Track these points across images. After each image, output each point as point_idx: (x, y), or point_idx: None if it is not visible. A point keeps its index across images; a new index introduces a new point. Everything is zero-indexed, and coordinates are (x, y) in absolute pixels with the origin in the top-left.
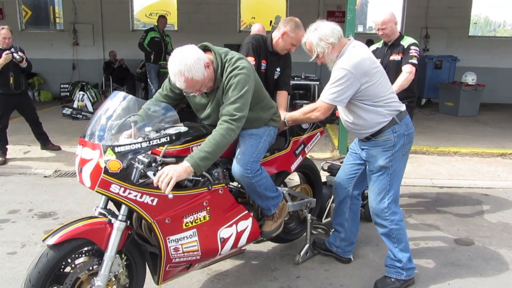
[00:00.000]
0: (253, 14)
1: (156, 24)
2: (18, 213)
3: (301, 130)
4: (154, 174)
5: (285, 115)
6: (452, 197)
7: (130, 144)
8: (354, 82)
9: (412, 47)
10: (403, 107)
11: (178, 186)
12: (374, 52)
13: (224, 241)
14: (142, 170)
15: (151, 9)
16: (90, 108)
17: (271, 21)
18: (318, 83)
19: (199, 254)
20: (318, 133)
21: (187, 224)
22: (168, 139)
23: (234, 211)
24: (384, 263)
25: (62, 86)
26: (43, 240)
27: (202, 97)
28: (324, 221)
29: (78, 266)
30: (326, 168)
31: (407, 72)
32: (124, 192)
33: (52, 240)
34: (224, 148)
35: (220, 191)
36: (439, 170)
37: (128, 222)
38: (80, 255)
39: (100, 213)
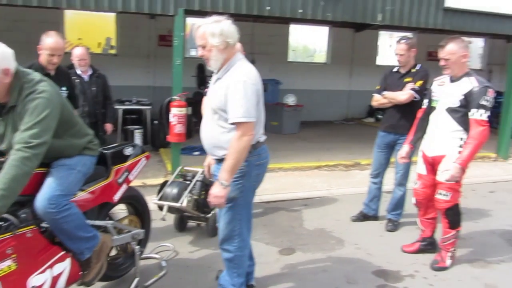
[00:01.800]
0: (79, 35)
1: None
2: None
3: (123, 157)
4: None
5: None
6: (277, 210)
7: None
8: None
9: None
10: (262, 138)
11: None
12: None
13: None
14: None
15: None
16: None
17: (99, 43)
18: (150, 107)
19: None
20: (143, 158)
21: None
22: None
23: (47, 254)
24: (218, 281)
25: None
26: None
27: None
28: (179, 204)
29: None
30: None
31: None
32: None
33: None
34: (23, 181)
35: (28, 235)
36: (266, 186)
37: None
38: None
39: None
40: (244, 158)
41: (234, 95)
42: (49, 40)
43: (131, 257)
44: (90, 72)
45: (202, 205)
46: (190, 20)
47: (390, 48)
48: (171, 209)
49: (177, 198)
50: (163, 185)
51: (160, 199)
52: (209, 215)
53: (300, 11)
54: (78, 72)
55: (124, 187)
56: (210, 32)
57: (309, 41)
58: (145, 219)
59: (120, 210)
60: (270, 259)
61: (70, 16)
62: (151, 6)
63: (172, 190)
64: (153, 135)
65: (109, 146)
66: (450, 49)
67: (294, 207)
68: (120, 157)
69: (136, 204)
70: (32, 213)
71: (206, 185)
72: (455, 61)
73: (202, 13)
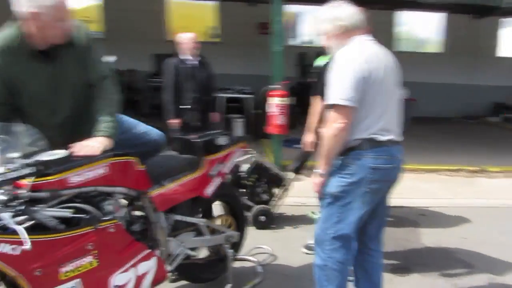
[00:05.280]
0: (183, 23)
1: None
2: None
3: (216, 147)
4: (14, 216)
5: None
6: (389, 217)
7: None
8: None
9: None
10: (385, 137)
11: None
12: (325, 66)
13: None
14: None
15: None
16: None
17: (202, 31)
18: (252, 96)
19: None
20: (239, 148)
21: (67, 274)
22: (34, 170)
23: (131, 251)
24: None
25: None
26: None
27: None
28: None
29: None
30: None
31: None
32: None
33: None
34: None
35: (110, 229)
36: None
37: None
38: None
39: None
40: (335, 149)
41: (331, 75)
42: None
43: (224, 260)
44: (198, 58)
45: (251, 192)
46: (292, 8)
47: None
48: None
49: None
50: None
51: None
52: (255, 206)
53: None
54: (186, 58)
55: (217, 181)
56: (325, 19)
57: (417, 30)
58: (240, 220)
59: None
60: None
61: (174, 5)
62: None
63: None
64: (254, 125)
65: (200, 135)
66: None
67: (410, 217)
68: (214, 147)
69: (232, 203)
70: (118, 204)
71: (261, 170)
72: None
73: (301, 0)
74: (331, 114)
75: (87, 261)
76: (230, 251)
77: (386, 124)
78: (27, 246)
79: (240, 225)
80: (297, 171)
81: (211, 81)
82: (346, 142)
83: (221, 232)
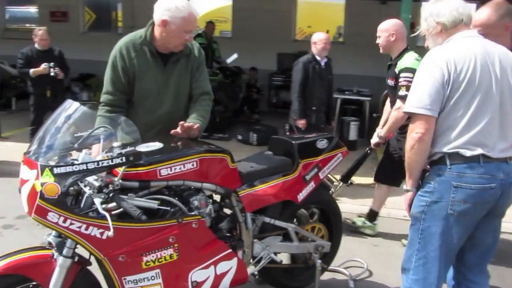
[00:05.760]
0: (309, 23)
1: (204, 30)
2: (26, 219)
3: (315, 150)
4: (103, 203)
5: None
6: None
7: (73, 165)
8: None
9: (402, 74)
10: (473, 151)
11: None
12: (388, 66)
13: (198, 285)
14: (90, 196)
15: (210, 16)
16: None
17: (327, 31)
18: (370, 98)
19: None
20: (339, 153)
21: (147, 264)
22: (124, 160)
23: (212, 249)
24: None
25: None
26: None
27: None
28: None
29: None
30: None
31: (395, 110)
32: (64, 222)
33: None
34: None
35: (193, 225)
36: None
37: (76, 258)
38: None
39: (50, 243)
40: (416, 163)
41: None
42: None
43: (311, 269)
44: (325, 59)
45: None
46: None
47: None
48: None
49: None
50: None
51: None
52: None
53: None
54: (318, 58)
55: (311, 186)
56: (423, 17)
57: None
58: (334, 230)
59: None
60: None
61: (302, 5)
62: None
63: None
64: (371, 129)
65: (299, 136)
66: None
67: None
68: (311, 150)
69: (326, 210)
70: (205, 201)
71: None
72: None
73: None
74: (411, 123)
75: (167, 253)
76: (319, 261)
77: (477, 137)
78: (110, 232)
79: (333, 235)
80: (345, 180)
81: (332, 83)
82: (429, 155)
83: (311, 240)
